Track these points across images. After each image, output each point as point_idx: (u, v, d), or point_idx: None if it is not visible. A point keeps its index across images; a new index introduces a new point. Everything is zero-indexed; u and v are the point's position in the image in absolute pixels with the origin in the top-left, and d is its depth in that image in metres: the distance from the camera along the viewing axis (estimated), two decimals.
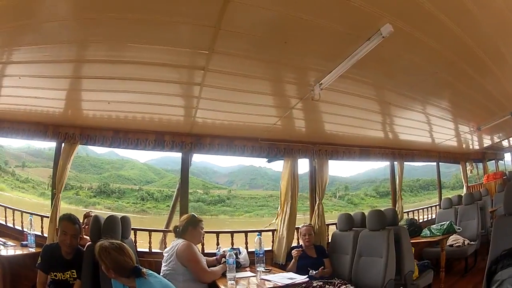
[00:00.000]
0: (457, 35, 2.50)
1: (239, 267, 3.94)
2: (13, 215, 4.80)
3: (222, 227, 4.77)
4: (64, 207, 4.53)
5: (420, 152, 6.55)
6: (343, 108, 3.88)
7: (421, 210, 7.14)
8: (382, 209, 4.60)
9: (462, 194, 6.91)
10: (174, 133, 4.53)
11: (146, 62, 2.78)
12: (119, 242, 2.62)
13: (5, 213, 4.88)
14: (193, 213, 3.90)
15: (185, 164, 4.76)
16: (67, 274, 3.33)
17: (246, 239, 4.69)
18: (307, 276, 3.69)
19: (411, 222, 5.69)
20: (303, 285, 3.62)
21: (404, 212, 6.45)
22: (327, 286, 3.82)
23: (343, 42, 2.49)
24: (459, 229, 5.43)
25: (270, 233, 4.93)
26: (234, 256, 3.56)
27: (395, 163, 6.37)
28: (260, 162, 55.32)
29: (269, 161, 5.32)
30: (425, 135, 5.63)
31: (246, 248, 4.52)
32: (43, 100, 3.71)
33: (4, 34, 2.46)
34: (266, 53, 2.66)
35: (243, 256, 4.18)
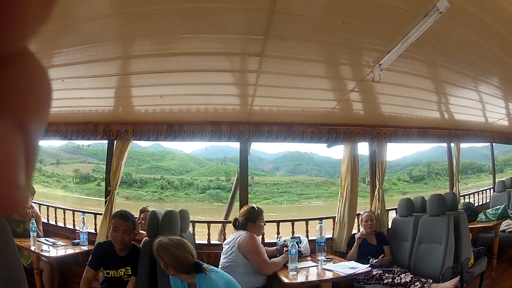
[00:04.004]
0: (506, 8, 2.35)
1: (300, 256, 3.84)
2: (64, 215, 4.89)
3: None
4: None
5: (475, 132, 6.28)
6: (401, 88, 3.76)
7: (476, 194, 6.86)
8: (437, 194, 4.38)
9: None
10: (231, 122, 4.47)
11: (198, 52, 2.72)
12: (179, 238, 2.59)
13: (55, 213, 4.96)
14: (253, 205, 3.84)
15: (244, 154, 4.71)
16: (121, 271, 3.30)
17: (306, 227, 4.60)
18: (369, 265, 3.61)
19: (467, 206, 5.51)
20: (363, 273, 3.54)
21: (460, 196, 6.23)
22: (386, 275, 3.74)
23: (401, 20, 2.37)
24: None
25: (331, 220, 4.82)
26: (296, 245, 3.49)
27: (452, 144, 6.16)
28: (305, 148, 55.10)
29: (328, 146, 5.22)
30: (478, 114, 5.42)
31: (307, 236, 4.44)
32: (91, 100, 3.74)
33: (41, 39, 2.41)
34: (323, 34, 2.55)
35: (304, 245, 4.12)
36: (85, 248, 4.21)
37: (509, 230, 5.35)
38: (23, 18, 0.17)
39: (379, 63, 2.82)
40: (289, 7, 2.15)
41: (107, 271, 3.32)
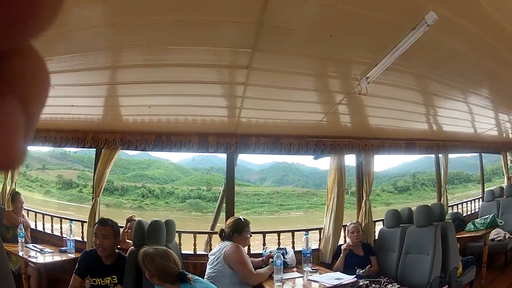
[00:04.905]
0: (497, 20, 2.37)
1: (286, 267, 3.86)
2: (52, 222, 4.87)
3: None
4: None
5: (463, 143, 6.33)
6: (389, 101, 3.78)
7: (465, 203, 6.88)
8: (425, 204, 4.46)
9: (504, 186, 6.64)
10: (219, 134, 4.46)
11: (187, 64, 2.74)
12: (164, 248, 2.60)
13: (43, 219, 4.95)
14: (240, 216, 3.84)
15: (231, 165, 4.70)
16: (107, 280, 3.34)
17: (293, 238, 4.62)
18: (355, 276, 3.62)
19: (456, 216, 5.55)
20: (349, 284, 3.55)
21: (448, 206, 6.27)
22: (373, 285, 3.74)
23: (388, 33, 2.38)
24: (501, 222, 5.30)
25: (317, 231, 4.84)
26: (282, 257, 3.49)
27: (440, 155, 6.19)
28: (292, 158, 55.01)
29: (315, 158, 5.25)
30: (467, 125, 5.48)
31: (293, 247, 4.45)
32: (80, 108, 3.73)
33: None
34: (311, 48, 2.57)
35: (290, 256, 4.12)
36: (72, 255, 4.19)
37: (498, 238, 5.39)
38: (39, 15, 0.22)
39: (366, 76, 2.83)
40: (276, 21, 2.16)
41: (93, 279, 3.34)
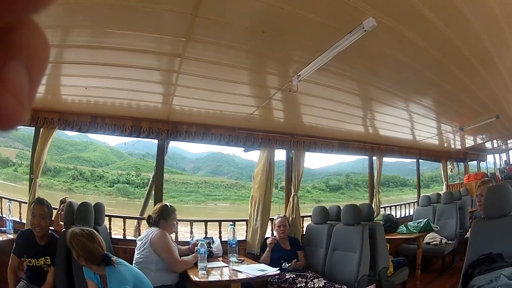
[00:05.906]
0: (444, 34, 2.51)
1: (211, 256, 3.94)
2: None
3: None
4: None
5: (400, 148, 6.58)
6: (323, 101, 3.87)
7: (399, 206, 7.14)
8: (358, 203, 4.58)
9: (441, 193, 6.93)
10: (151, 119, 4.44)
11: (124, 48, 2.74)
12: (90, 229, 2.62)
13: None
14: (166, 203, 3.87)
15: (161, 151, 4.69)
16: (41, 260, 3.34)
17: (220, 228, 4.66)
18: (278, 268, 3.66)
19: (387, 217, 5.72)
20: (276, 277, 3.65)
21: (381, 208, 6.49)
22: (299, 279, 3.83)
23: (323, 35, 2.48)
24: (436, 227, 5.49)
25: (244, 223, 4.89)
26: (206, 245, 3.52)
27: (374, 158, 6.36)
28: (228, 150, 55.00)
29: (245, 151, 5.30)
30: (406, 132, 5.67)
31: (220, 237, 4.51)
32: None
33: None
34: (244, 42, 2.64)
35: (216, 245, 4.17)
36: (11, 236, 4.08)
37: (434, 242, 5.62)
38: None
39: (298, 74, 2.93)
40: (211, 13, 2.22)
41: (29, 259, 3.34)
